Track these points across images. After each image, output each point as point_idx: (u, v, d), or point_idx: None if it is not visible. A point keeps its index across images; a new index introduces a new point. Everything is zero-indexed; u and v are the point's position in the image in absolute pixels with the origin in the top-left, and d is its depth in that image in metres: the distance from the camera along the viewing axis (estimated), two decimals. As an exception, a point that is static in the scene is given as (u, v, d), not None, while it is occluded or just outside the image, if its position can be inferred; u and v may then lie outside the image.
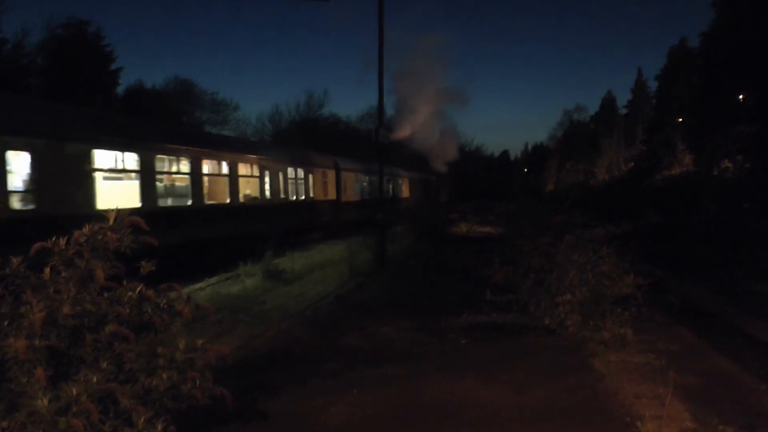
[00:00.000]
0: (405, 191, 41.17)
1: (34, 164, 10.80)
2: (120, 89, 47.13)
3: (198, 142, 17.17)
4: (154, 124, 18.42)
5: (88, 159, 12.22)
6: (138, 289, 3.85)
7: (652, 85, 60.38)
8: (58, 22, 42.54)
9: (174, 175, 16.13)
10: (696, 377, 6.51)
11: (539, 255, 8.57)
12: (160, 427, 3.47)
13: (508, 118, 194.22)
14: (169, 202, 15.95)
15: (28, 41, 41.11)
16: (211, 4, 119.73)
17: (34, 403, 3.21)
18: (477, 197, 60.89)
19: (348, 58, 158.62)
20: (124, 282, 3.84)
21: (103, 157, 12.83)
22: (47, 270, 3.66)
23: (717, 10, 31.64)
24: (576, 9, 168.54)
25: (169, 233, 13.59)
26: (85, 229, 3.75)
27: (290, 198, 22.09)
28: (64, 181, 11.43)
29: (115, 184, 13.73)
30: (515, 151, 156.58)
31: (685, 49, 48.82)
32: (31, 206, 10.75)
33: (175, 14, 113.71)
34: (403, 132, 49.70)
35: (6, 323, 3.46)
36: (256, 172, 19.44)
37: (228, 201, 17.67)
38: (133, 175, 13.77)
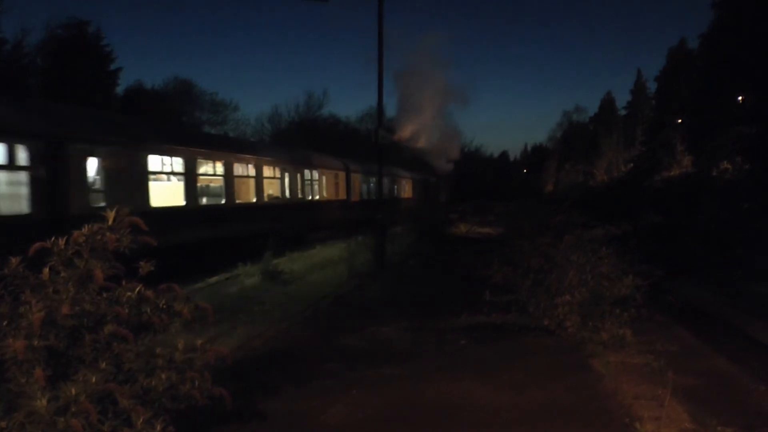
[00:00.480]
0: (405, 191, 41.19)
1: (103, 168, 12.61)
2: (119, 89, 47.20)
3: (229, 148, 19.10)
4: (192, 131, 20.90)
5: (143, 163, 13.80)
6: (137, 289, 3.84)
7: (652, 86, 60.47)
8: (57, 22, 42.61)
9: (211, 177, 17.44)
10: (695, 378, 6.52)
11: (538, 255, 8.57)
12: (159, 427, 3.47)
13: (508, 119, 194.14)
14: (207, 201, 17.52)
15: (27, 41, 41.16)
16: (211, 4, 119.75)
17: (32, 403, 3.21)
18: (476, 198, 60.97)
19: (347, 59, 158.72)
20: (123, 282, 3.84)
21: (154, 162, 14.40)
22: (46, 270, 3.65)
23: (717, 11, 31.65)
24: (575, 10, 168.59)
25: (207, 229, 15.81)
26: (84, 230, 3.74)
27: (306, 198, 23.60)
28: (125, 182, 13.09)
29: (164, 185, 15.20)
30: (515, 151, 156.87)
31: (685, 50, 48.87)
32: (102, 204, 12.08)
33: (174, 14, 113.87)
34: (404, 132, 49.88)
35: (5, 323, 3.46)
36: (278, 174, 20.95)
37: (254, 200, 19.22)
38: (178, 177, 15.39)
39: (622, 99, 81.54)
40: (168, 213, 14.35)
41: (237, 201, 18.06)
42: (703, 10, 61.43)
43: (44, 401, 3.20)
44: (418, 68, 49.64)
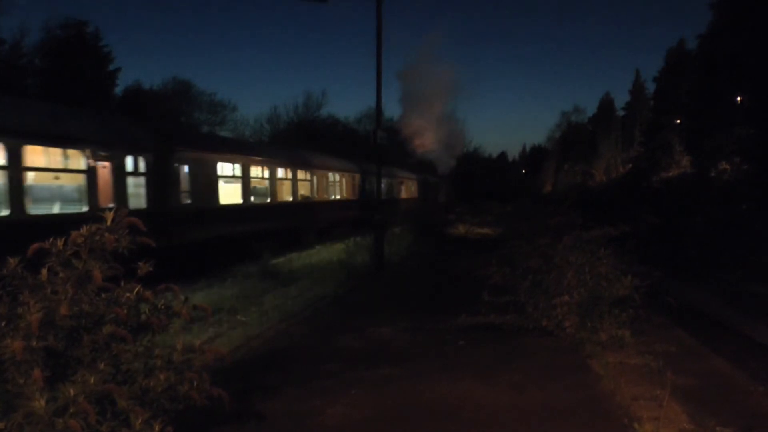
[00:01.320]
0: (403, 192, 41.20)
1: (189, 174, 16.09)
2: (118, 90, 47.17)
3: (272, 154, 22.99)
4: (241, 141, 25.53)
5: (215, 169, 17.40)
6: (136, 290, 3.84)
7: (650, 86, 60.51)
8: (56, 22, 42.59)
9: (260, 180, 20.61)
10: (693, 379, 6.52)
11: (537, 256, 8.57)
12: (157, 428, 3.46)
13: (506, 119, 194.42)
14: (258, 200, 20.46)
15: (26, 42, 41.13)
16: (209, 4, 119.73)
17: (31, 404, 3.20)
18: (475, 198, 60.97)
19: (346, 59, 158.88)
20: (122, 282, 3.84)
21: (221, 168, 17.91)
22: (45, 271, 3.65)
23: (715, 12, 31.68)
24: (574, 11, 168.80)
25: (257, 224, 19.29)
26: (83, 230, 3.74)
27: (329, 197, 27.25)
28: (203, 184, 16.70)
29: (228, 186, 18.29)
30: (513, 152, 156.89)
31: (683, 51, 48.92)
32: (188, 201, 15.95)
33: (173, 15, 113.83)
34: (406, 132, 50.26)
35: (3, 324, 3.45)
36: (308, 177, 24.64)
37: (291, 199, 22.81)
38: (237, 179, 18.68)
39: (620, 100, 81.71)
40: (231, 209, 18.03)
41: (278, 200, 21.67)
42: (701, 11, 61.44)
43: (43, 402, 3.20)
44: (421, 70, 50.10)
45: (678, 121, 44.54)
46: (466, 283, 11.08)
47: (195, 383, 3.81)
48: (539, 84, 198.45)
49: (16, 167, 10.45)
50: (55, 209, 12.26)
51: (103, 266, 3.72)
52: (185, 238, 14.92)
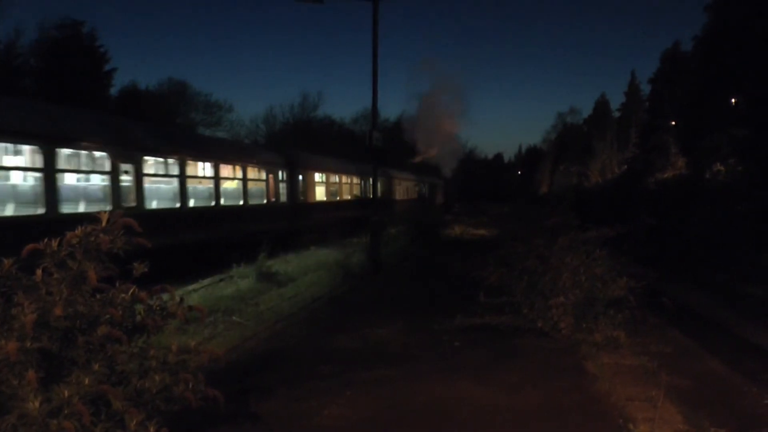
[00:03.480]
0: (400, 193, 41.22)
1: (302, 181, 23.48)
2: (114, 90, 47.08)
3: (338, 164, 29.78)
4: (326, 157, 30.27)
5: (314, 175, 24.92)
6: (131, 290, 3.83)
7: (646, 88, 60.52)
8: (51, 22, 42.49)
9: (335, 184, 28.03)
10: (688, 379, 6.54)
11: (533, 257, 8.57)
12: (152, 429, 3.45)
13: (502, 121, 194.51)
14: (332, 198, 27.60)
15: (21, 42, 41.01)
16: (205, 5, 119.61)
17: (25, 406, 3.19)
18: (471, 199, 61.05)
19: (342, 60, 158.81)
20: (117, 283, 3.83)
21: (317, 176, 25.54)
22: (39, 271, 3.63)
23: (710, 14, 31.75)
24: (570, 12, 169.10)
25: (334, 213, 26.94)
26: (78, 231, 3.73)
27: (351, 197, 32.52)
28: (308, 186, 24.15)
29: (319, 188, 25.79)
30: (509, 153, 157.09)
31: (679, 53, 49.00)
32: (302, 198, 23.50)
33: (169, 15, 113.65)
34: (414, 139, 52.02)
35: (-3, 325, 3.44)
36: (336, 180, 29.36)
37: (348, 198, 30.34)
38: (322, 184, 26.40)
39: (616, 101, 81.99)
40: (320, 204, 25.79)
41: (346, 198, 29.75)
42: (697, 13, 61.73)
43: (37, 403, 3.18)
44: (433, 95, 52.37)
45: (673, 123, 44.59)
46: (462, 284, 11.08)
47: (190, 384, 3.80)
48: (535, 85, 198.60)
49: (241, 179, 18.79)
50: (253, 202, 19.58)
51: (98, 267, 3.71)
52: (301, 223, 22.83)
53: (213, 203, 16.96)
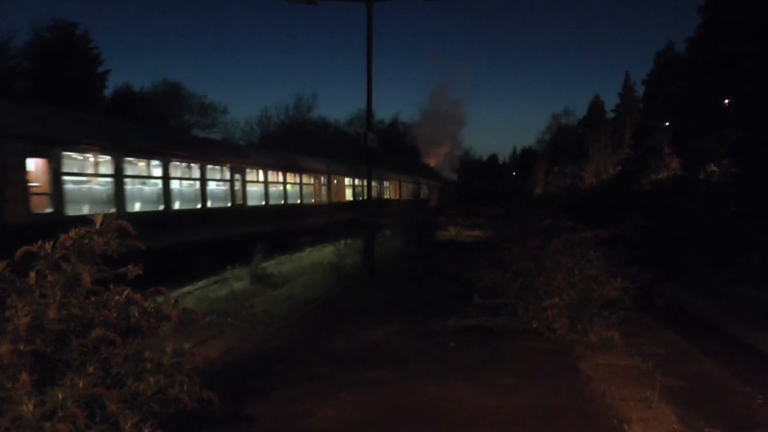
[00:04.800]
0: (395, 194, 41.26)
1: (335, 184, 28.62)
2: (107, 92, 46.91)
3: (354, 170, 31.99)
4: (348, 164, 32.92)
5: (345, 180, 30.57)
6: (125, 293, 3.82)
7: (640, 89, 60.70)
8: (44, 24, 42.28)
9: (351, 186, 32.04)
10: (682, 380, 6.55)
11: (527, 258, 8.59)
12: (147, 431, 3.45)
13: (497, 122, 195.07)
14: (356, 198, 31.93)
15: (14, 43, 40.84)
16: (199, 7, 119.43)
17: (18, 408, 3.18)
18: (466, 200, 61.10)
19: (336, 61, 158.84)
20: (111, 286, 3.82)
21: (346, 180, 30.62)
22: (33, 274, 3.63)
23: (703, 15, 31.84)
24: (564, 14, 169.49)
25: (355, 213, 27.65)
26: (72, 233, 3.72)
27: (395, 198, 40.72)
28: (339, 190, 29.38)
29: (348, 191, 31.20)
30: (504, 154, 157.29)
31: (672, 54, 49.16)
32: (335, 199, 28.28)
33: (163, 17, 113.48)
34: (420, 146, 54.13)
35: (-9, 327, 3.43)
36: (385, 184, 37.04)
37: (393, 197, 39.60)
38: (350, 187, 31.57)
39: (610, 102, 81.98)
40: (346, 203, 30.17)
41: (395, 197, 38.90)
42: (690, 14, 61.84)
43: (30, 406, 3.18)
44: (438, 110, 54.36)
45: (667, 124, 44.72)
46: (456, 286, 11.08)
47: (185, 386, 3.80)
48: (529, 86, 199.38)
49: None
50: (308, 201, 25.41)
51: (92, 269, 3.70)
52: (335, 218, 27.04)
53: (298, 201, 24.65)
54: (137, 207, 14.49)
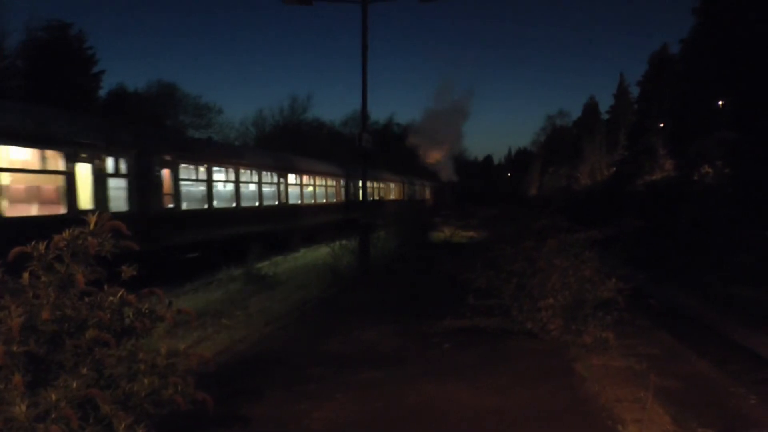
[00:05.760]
0: (390, 194, 41.29)
1: (352, 185, 31.99)
2: (102, 92, 46.76)
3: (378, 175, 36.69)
4: (378, 171, 36.11)
5: (357, 181, 28.11)
6: (119, 294, 3.81)
7: (634, 90, 60.80)
8: (38, 24, 42.10)
9: (373, 187, 33.66)
10: (676, 381, 6.57)
11: (522, 259, 8.59)
12: (140, 432, 3.44)
13: (492, 123, 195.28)
14: (377, 197, 34.75)
15: (7, 43, 40.66)
16: (195, 8, 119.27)
17: (11, 410, 3.16)
18: (461, 201, 61.19)
19: (331, 62, 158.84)
20: (105, 287, 3.81)
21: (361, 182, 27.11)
22: (26, 275, 3.61)
23: (697, 16, 31.96)
24: (559, 15, 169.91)
25: (381, 210, 28.67)
26: (65, 234, 3.71)
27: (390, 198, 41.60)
28: (354, 188, 31.52)
29: (381, 191, 35.68)
30: (499, 155, 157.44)
31: (667, 55, 49.30)
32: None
33: (158, 17, 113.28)
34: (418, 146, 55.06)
35: (-17, 329, 3.41)
36: (380, 185, 37.62)
37: (400, 198, 43.10)
38: (376, 188, 35.32)
39: (605, 103, 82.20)
40: (377, 201, 31.87)
41: (390, 197, 40.47)
42: (684, 15, 62.01)
43: (23, 407, 3.16)
44: (438, 113, 55.23)
45: (662, 125, 44.89)
46: (451, 287, 11.08)
47: (179, 387, 3.78)
48: (524, 87, 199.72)
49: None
50: (328, 201, 28.70)
51: (86, 270, 3.69)
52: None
53: (323, 201, 28.19)
54: (215, 204, 17.98)
